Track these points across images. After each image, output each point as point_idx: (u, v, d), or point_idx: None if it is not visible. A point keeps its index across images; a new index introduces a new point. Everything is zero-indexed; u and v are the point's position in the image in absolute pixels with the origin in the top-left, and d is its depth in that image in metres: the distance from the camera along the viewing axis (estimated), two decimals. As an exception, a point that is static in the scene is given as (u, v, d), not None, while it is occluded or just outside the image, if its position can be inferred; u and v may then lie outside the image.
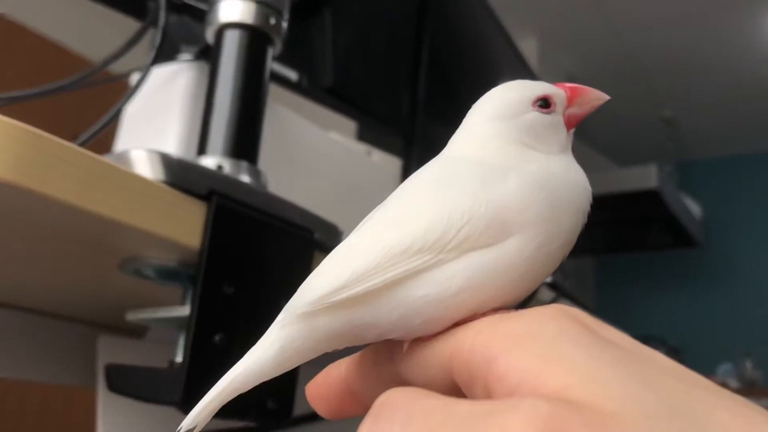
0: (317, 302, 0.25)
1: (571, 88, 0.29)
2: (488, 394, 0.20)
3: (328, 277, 0.25)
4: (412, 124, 0.90)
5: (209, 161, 0.57)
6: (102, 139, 0.59)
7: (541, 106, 0.28)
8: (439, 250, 0.24)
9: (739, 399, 0.18)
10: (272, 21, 0.62)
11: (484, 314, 0.24)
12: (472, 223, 0.24)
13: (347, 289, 0.24)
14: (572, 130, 0.29)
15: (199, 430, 0.27)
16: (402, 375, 0.25)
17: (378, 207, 0.28)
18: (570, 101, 0.29)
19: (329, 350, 0.27)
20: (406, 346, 0.25)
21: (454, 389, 0.22)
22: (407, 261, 0.24)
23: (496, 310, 0.24)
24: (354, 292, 0.24)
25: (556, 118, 0.28)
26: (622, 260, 4.31)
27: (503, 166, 0.26)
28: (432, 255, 0.24)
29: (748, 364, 3.50)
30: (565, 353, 0.19)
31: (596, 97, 0.29)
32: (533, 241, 0.25)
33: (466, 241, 0.24)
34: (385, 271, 0.24)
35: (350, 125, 1.30)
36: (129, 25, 0.71)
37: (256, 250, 0.53)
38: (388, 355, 0.26)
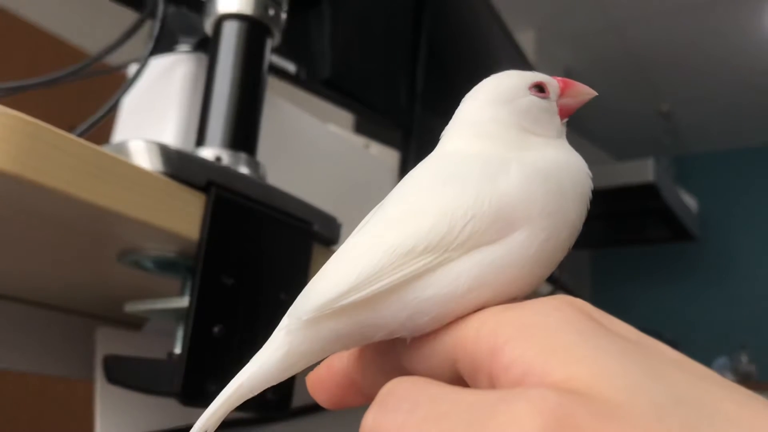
0: (323, 307, 0.24)
1: (563, 80, 0.29)
2: (493, 384, 0.20)
3: (333, 281, 0.24)
4: (410, 116, 0.90)
5: (208, 152, 0.57)
6: (100, 131, 0.59)
7: (538, 91, 0.28)
8: (444, 249, 0.24)
9: (746, 391, 0.18)
10: (271, 12, 0.62)
11: None
12: (476, 220, 0.24)
13: (353, 293, 0.24)
14: (565, 121, 0.29)
15: None
16: (405, 365, 0.25)
17: (377, 206, 0.27)
18: (562, 92, 0.29)
19: (336, 352, 0.26)
20: (409, 337, 0.25)
21: (458, 380, 0.22)
22: (413, 262, 0.24)
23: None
24: (360, 296, 0.24)
25: (551, 104, 0.29)
26: (619, 254, 4.32)
27: (504, 156, 0.26)
28: (437, 254, 0.24)
29: (744, 358, 3.51)
30: (571, 344, 0.19)
31: (586, 91, 0.30)
32: (540, 234, 0.24)
33: (471, 238, 0.24)
34: (391, 273, 0.23)
35: (348, 117, 1.30)
36: (126, 16, 0.70)
37: (255, 241, 0.53)
38: (391, 346, 0.25)
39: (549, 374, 0.18)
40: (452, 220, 0.24)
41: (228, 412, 0.27)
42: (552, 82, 0.29)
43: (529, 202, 0.24)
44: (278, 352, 0.26)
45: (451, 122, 0.29)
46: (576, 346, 0.19)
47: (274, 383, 0.26)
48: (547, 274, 0.25)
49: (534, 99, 0.28)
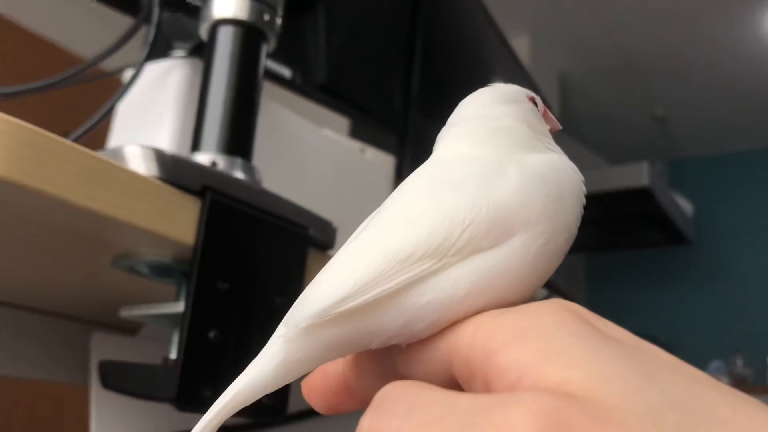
0: (321, 315, 0.24)
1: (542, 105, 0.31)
2: (488, 389, 0.20)
3: (330, 288, 0.24)
4: (405, 121, 0.90)
5: (203, 157, 0.57)
6: (95, 136, 0.59)
7: (532, 104, 0.30)
8: (443, 255, 0.23)
9: (740, 394, 0.18)
10: (266, 17, 0.62)
11: None
12: (474, 225, 0.24)
13: (351, 300, 0.23)
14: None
15: None
16: (400, 369, 0.24)
17: (375, 212, 0.27)
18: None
19: (332, 359, 0.26)
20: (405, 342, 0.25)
21: (453, 384, 0.22)
22: (410, 268, 0.23)
23: None
24: (358, 303, 0.23)
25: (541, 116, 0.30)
26: (614, 257, 4.33)
27: (502, 160, 0.26)
28: (435, 260, 0.23)
29: (739, 362, 3.52)
30: (566, 347, 0.19)
31: (554, 122, 0.31)
32: (538, 238, 0.24)
33: (470, 244, 0.23)
34: (389, 280, 0.23)
35: (343, 122, 1.30)
36: (122, 21, 0.70)
37: (250, 246, 0.53)
38: (386, 350, 0.25)
39: (544, 378, 0.18)
40: (450, 225, 0.24)
41: (224, 420, 0.26)
42: (538, 101, 0.30)
43: (528, 207, 0.24)
44: (274, 360, 0.25)
45: (450, 122, 0.29)
46: (571, 350, 0.19)
47: (271, 391, 0.26)
48: (546, 278, 0.25)
49: (532, 106, 0.29)
